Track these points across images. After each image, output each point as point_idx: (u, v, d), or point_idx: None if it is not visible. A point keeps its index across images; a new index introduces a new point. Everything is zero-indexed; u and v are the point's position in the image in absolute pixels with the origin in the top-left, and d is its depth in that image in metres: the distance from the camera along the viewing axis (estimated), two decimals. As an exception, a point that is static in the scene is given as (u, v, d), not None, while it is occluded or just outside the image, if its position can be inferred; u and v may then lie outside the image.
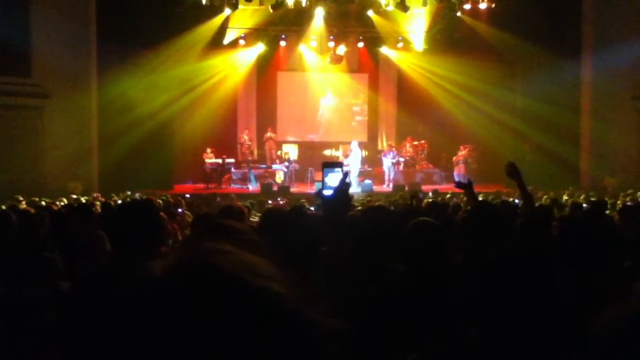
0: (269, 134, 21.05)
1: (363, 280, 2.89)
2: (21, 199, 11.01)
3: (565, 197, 11.39)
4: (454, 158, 19.36)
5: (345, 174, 3.08)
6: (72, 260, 4.12)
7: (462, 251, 3.16)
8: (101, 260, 4.45)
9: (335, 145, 22.15)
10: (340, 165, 3.30)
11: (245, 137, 20.56)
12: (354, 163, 18.27)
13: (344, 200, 3.00)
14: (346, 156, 19.52)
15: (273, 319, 0.69)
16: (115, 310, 0.70)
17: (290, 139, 22.25)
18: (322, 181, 3.22)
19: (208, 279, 0.70)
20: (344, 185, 3.05)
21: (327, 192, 3.08)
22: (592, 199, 10.51)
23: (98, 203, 10.04)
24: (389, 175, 19.25)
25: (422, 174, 19.86)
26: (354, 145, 18.95)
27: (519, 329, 1.56)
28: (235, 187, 18.70)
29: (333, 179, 3.15)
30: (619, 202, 9.77)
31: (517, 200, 11.59)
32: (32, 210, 7.75)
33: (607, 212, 7.80)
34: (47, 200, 11.07)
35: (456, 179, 19.24)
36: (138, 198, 11.31)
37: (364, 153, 21.83)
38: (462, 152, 19.18)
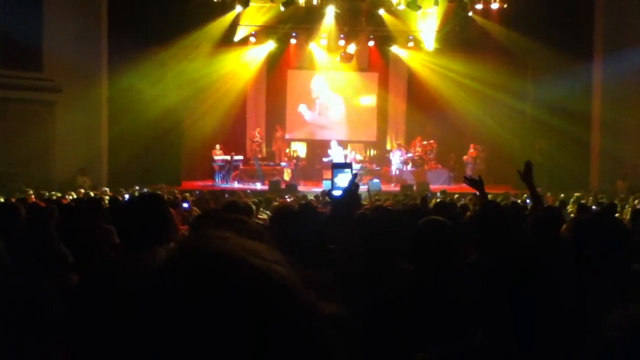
0: (279, 134, 21.15)
1: (372, 278, 2.88)
2: (30, 192, 11.07)
3: (572, 200, 11.32)
4: (464, 157, 19.29)
5: (355, 175, 3.08)
6: (81, 253, 4.13)
7: (471, 251, 3.15)
8: (109, 254, 4.47)
9: (344, 144, 22.15)
10: (349, 166, 3.30)
11: (257, 134, 20.60)
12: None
13: (353, 201, 3.00)
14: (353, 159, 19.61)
15: (275, 301, 0.69)
16: (122, 299, 0.70)
17: (299, 137, 22.25)
18: (332, 181, 3.22)
19: (210, 262, 0.70)
20: (353, 186, 3.04)
21: (337, 193, 3.08)
22: (602, 201, 10.45)
23: (107, 197, 10.08)
24: (397, 175, 19.22)
25: (430, 174, 19.80)
26: (334, 144, 19.02)
27: (526, 330, 1.55)
28: (243, 184, 18.73)
29: (342, 179, 3.15)
30: (627, 206, 9.72)
31: (527, 201, 11.55)
32: (42, 204, 7.80)
33: (617, 215, 7.76)
34: (57, 194, 11.13)
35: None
36: (140, 194, 11.35)
37: (372, 152, 21.84)
38: (471, 151, 19.12)
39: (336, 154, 18.88)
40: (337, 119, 22.45)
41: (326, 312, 0.73)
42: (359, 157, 20.52)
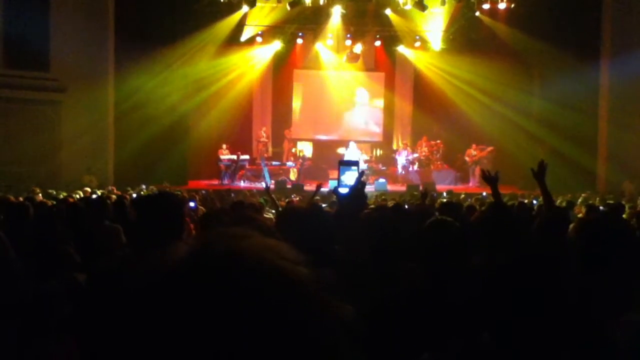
0: (286, 134, 21.18)
1: (377, 278, 2.88)
2: (38, 191, 11.11)
3: (580, 200, 11.28)
4: (468, 159, 19.19)
5: (361, 173, 3.08)
6: (89, 252, 4.15)
7: (477, 252, 3.14)
8: (117, 253, 4.48)
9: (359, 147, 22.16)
10: (356, 164, 3.30)
11: (263, 134, 20.61)
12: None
13: (359, 199, 3.00)
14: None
15: (296, 300, 0.69)
16: (138, 297, 0.70)
17: (305, 136, 22.25)
18: (338, 179, 3.22)
19: (233, 260, 0.70)
20: (359, 184, 3.04)
21: (343, 190, 3.08)
22: (610, 202, 10.40)
23: (114, 196, 10.11)
24: (403, 175, 19.20)
25: (436, 174, 19.77)
26: (352, 146, 19.02)
27: (531, 330, 1.55)
28: (249, 183, 18.75)
29: (349, 177, 3.15)
30: (629, 205, 9.66)
31: (534, 201, 11.51)
32: (49, 203, 7.83)
33: (625, 216, 7.72)
34: (64, 193, 11.17)
35: (471, 180, 19.15)
36: (158, 191, 11.38)
37: (378, 152, 21.80)
38: (475, 153, 19.02)
39: (351, 156, 18.81)
40: (344, 119, 22.43)
41: (343, 314, 0.73)
42: (365, 157, 20.50)
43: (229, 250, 0.71)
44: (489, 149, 18.92)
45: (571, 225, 4.16)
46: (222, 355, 0.64)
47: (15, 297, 3.16)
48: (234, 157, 18.95)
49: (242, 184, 18.60)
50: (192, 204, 9.01)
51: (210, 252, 0.71)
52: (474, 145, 19.12)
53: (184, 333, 0.65)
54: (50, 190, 11.31)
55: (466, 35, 19.85)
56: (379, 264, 2.92)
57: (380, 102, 22.52)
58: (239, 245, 0.72)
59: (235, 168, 19.02)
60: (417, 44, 20.83)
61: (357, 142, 21.47)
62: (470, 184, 19.05)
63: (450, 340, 1.75)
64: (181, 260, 0.71)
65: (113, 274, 2.26)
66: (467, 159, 19.26)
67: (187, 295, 0.67)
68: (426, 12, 18.78)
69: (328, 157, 21.06)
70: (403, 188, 17.87)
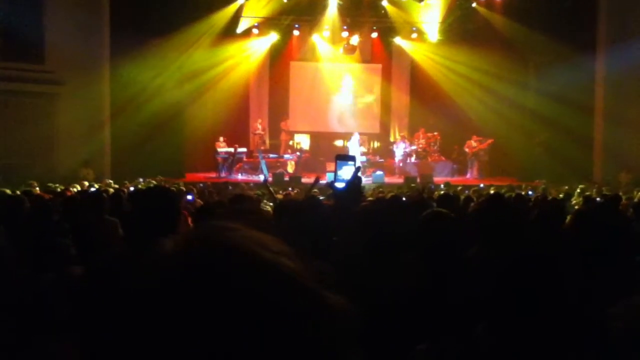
0: (283, 126, 21.17)
1: (373, 270, 2.88)
2: (35, 184, 11.09)
3: (577, 192, 11.31)
4: (468, 150, 19.20)
5: (358, 168, 3.07)
6: (85, 246, 4.14)
7: (474, 244, 3.15)
8: (114, 246, 4.48)
9: (347, 136, 22.14)
10: (353, 158, 3.30)
11: (259, 126, 20.57)
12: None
13: (355, 194, 3.00)
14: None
15: (282, 292, 0.69)
16: (128, 292, 0.70)
17: (302, 129, 22.23)
18: (335, 173, 3.22)
19: (217, 252, 0.70)
20: (356, 179, 3.04)
21: (339, 185, 3.08)
22: (606, 193, 10.43)
23: (111, 190, 10.09)
24: (401, 167, 19.21)
25: (434, 166, 19.78)
26: (354, 138, 19.02)
27: (527, 324, 1.55)
28: (246, 176, 18.75)
29: (346, 171, 3.14)
30: (625, 197, 9.68)
31: (530, 192, 11.54)
32: (46, 196, 7.82)
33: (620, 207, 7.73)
34: (61, 186, 11.14)
35: (469, 171, 19.18)
36: (154, 185, 11.37)
37: (375, 144, 21.79)
38: (475, 144, 19.02)
39: (354, 147, 18.82)
40: (340, 111, 22.42)
41: (332, 303, 0.73)
42: (363, 149, 20.50)
43: (211, 242, 0.71)
44: (489, 141, 18.94)
45: (568, 217, 4.17)
46: (211, 347, 0.64)
47: (12, 292, 3.16)
48: (231, 149, 18.93)
49: (240, 176, 18.60)
50: (189, 197, 9.01)
51: (190, 246, 0.71)
52: (474, 137, 19.12)
53: (167, 326, 0.65)
54: (48, 184, 11.28)
55: (463, 26, 19.82)
56: (375, 256, 2.92)
57: (377, 94, 22.49)
58: (220, 238, 0.72)
59: (232, 161, 19.01)
60: (414, 35, 20.80)
61: (353, 134, 21.48)
62: (468, 176, 19.08)
63: (446, 332, 1.76)
64: (165, 255, 0.71)
65: (109, 270, 2.26)
66: (466, 150, 19.26)
67: (170, 290, 0.67)
68: (422, 3, 18.79)
69: (325, 149, 21.06)
70: (400, 180, 17.89)
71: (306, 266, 0.74)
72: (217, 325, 0.65)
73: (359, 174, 3.07)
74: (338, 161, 3.18)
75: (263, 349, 0.65)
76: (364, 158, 18.84)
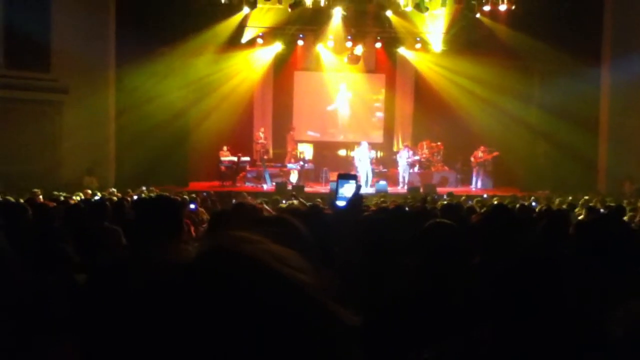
0: (288, 135, 21.21)
1: (374, 279, 2.88)
2: (38, 192, 11.11)
3: (581, 202, 11.27)
4: (474, 160, 19.17)
5: (359, 187, 3.08)
6: (88, 254, 4.14)
7: (477, 253, 3.14)
8: (118, 253, 4.48)
9: (350, 146, 22.14)
10: (354, 177, 3.31)
11: (261, 135, 20.57)
12: (363, 163, 18.43)
13: (356, 212, 3.01)
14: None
15: (298, 308, 0.69)
16: (140, 295, 0.70)
17: (306, 138, 22.26)
18: (336, 191, 3.22)
19: (235, 265, 0.70)
20: (356, 197, 3.05)
21: (340, 203, 3.08)
22: (610, 204, 10.40)
23: (115, 198, 10.11)
24: (404, 177, 19.18)
25: (437, 176, 19.76)
26: (363, 146, 19.00)
27: (530, 329, 1.55)
28: (249, 185, 18.76)
29: (347, 189, 3.15)
30: (630, 208, 9.64)
31: (534, 203, 11.52)
32: (50, 204, 7.83)
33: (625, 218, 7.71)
34: (64, 194, 11.17)
35: (474, 181, 19.14)
36: (157, 194, 11.39)
37: (379, 154, 21.77)
38: (482, 155, 19.00)
39: (362, 155, 18.82)
40: (344, 121, 22.44)
41: (346, 320, 0.73)
42: (372, 154, 20.43)
43: (235, 253, 0.72)
44: (495, 153, 18.91)
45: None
46: (221, 357, 0.64)
47: (13, 293, 3.15)
48: (235, 158, 18.96)
49: (244, 185, 18.61)
50: (192, 206, 9.03)
51: (215, 255, 0.72)
52: (482, 147, 19.10)
53: (185, 334, 0.65)
54: (52, 192, 11.30)
55: (467, 36, 19.83)
56: (375, 265, 2.91)
57: (380, 104, 22.51)
58: (244, 250, 0.72)
59: (236, 170, 19.02)
60: (418, 45, 20.82)
61: (357, 143, 21.47)
62: (472, 186, 19.05)
63: (450, 338, 1.75)
64: (189, 262, 0.72)
65: (115, 272, 2.25)
66: (472, 159, 19.24)
67: (190, 297, 0.67)
68: (427, 13, 18.79)
69: (329, 159, 21.07)
70: (404, 190, 17.87)
71: (323, 282, 0.74)
72: (226, 336, 0.65)
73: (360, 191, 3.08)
74: (340, 179, 3.18)
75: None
76: (371, 167, 18.82)
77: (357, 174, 17.39)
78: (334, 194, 3.20)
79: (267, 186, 18.48)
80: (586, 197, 12.20)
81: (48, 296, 3.03)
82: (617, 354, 1.31)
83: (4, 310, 2.77)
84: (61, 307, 2.92)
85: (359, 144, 19.73)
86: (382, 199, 12.69)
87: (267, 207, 8.73)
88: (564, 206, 10.30)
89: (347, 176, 3.19)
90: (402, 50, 21.38)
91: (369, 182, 18.28)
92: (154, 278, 0.72)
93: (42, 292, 3.06)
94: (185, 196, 10.73)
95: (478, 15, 19.13)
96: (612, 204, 10.10)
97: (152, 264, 0.74)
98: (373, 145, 22.08)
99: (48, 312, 2.97)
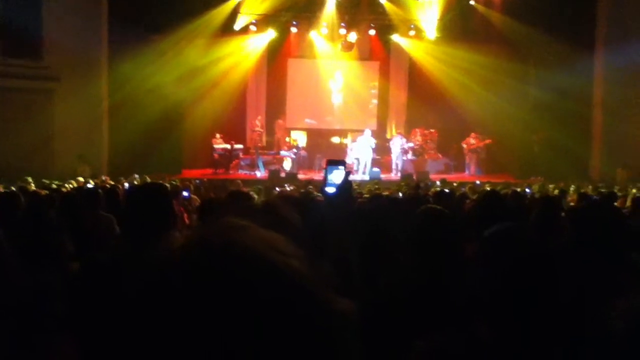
0: (280, 123, 21.14)
1: (371, 269, 2.88)
2: (30, 181, 11.06)
3: (572, 189, 11.32)
4: (466, 146, 19.19)
5: (348, 173, 3.08)
6: (82, 242, 4.14)
7: (470, 241, 3.15)
8: (111, 243, 4.47)
9: (344, 133, 22.11)
10: (343, 163, 3.31)
11: (258, 123, 20.50)
12: (365, 151, 18.39)
13: (346, 198, 3.01)
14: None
15: (291, 295, 0.68)
16: (132, 288, 0.70)
17: (299, 125, 22.21)
18: (325, 178, 3.23)
19: (227, 253, 0.69)
20: (346, 184, 3.04)
21: (330, 189, 3.09)
22: (602, 190, 10.45)
23: (108, 186, 10.08)
24: (397, 164, 19.19)
25: (431, 163, 19.78)
26: (367, 134, 18.95)
27: (526, 321, 1.55)
28: (243, 173, 18.74)
29: (336, 176, 3.15)
30: (621, 194, 9.69)
31: (527, 190, 11.56)
32: (42, 192, 7.80)
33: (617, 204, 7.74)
34: (57, 182, 11.12)
35: (467, 168, 19.18)
36: (149, 181, 11.34)
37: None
38: (474, 141, 19.02)
39: (364, 143, 18.79)
40: (338, 108, 22.40)
41: (340, 308, 0.73)
42: (373, 142, 20.40)
43: (224, 242, 0.71)
44: (487, 140, 18.94)
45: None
46: (216, 348, 0.64)
47: (11, 290, 3.15)
48: (228, 146, 18.91)
49: (237, 172, 18.59)
50: (185, 194, 9.01)
51: (204, 244, 0.71)
52: (473, 134, 19.11)
53: (177, 324, 0.65)
54: (43, 180, 11.26)
55: (461, 24, 19.77)
56: (371, 252, 2.92)
57: (374, 91, 22.46)
58: (234, 238, 0.72)
59: (229, 157, 18.99)
60: (412, 32, 20.73)
61: (351, 131, 21.45)
62: (466, 173, 19.10)
63: (444, 329, 1.76)
64: (176, 252, 0.71)
65: (108, 266, 2.25)
66: (464, 146, 19.26)
67: (180, 287, 0.66)
68: (421, 0, 18.72)
69: (322, 146, 21.05)
70: (397, 177, 17.90)
71: (316, 269, 0.74)
72: (220, 326, 0.64)
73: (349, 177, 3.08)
74: (329, 166, 3.18)
75: (268, 353, 0.65)
76: (372, 156, 18.77)
77: (349, 162, 17.39)
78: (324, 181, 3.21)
79: (260, 174, 18.46)
80: (578, 184, 12.27)
81: (47, 294, 3.03)
82: (617, 350, 1.32)
83: (3, 309, 2.76)
84: (59, 305, 2.92)
85: (361, 132, 19.68)
86: (375, 186, 12.72)
87: (255, 195, 8.72)
88: (556, 192, 10.35)
89: (335, 162, 3.19)
90: (396, 38, 21.30)
91: (369, 170, 18.23)
92: (144, 272, 0.71)
93: (40, 289, 3.06)
94: (178, 183, 10.70)
95: (472, 2, 19.08)
96: (604, 190, 10.15)
97: (144, 257, 0.73)
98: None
99: (47, 310, 2.96)
